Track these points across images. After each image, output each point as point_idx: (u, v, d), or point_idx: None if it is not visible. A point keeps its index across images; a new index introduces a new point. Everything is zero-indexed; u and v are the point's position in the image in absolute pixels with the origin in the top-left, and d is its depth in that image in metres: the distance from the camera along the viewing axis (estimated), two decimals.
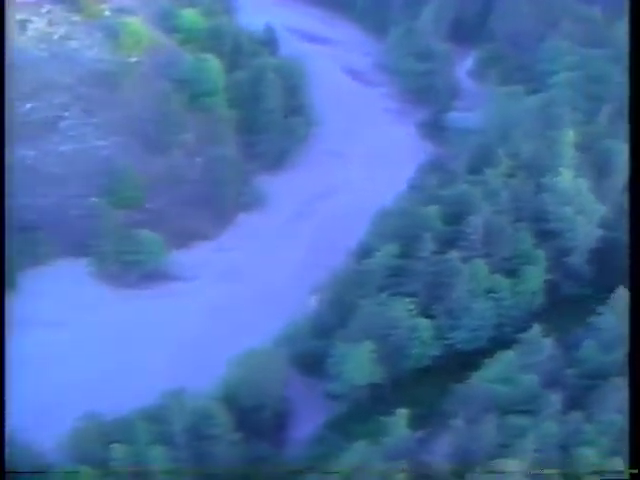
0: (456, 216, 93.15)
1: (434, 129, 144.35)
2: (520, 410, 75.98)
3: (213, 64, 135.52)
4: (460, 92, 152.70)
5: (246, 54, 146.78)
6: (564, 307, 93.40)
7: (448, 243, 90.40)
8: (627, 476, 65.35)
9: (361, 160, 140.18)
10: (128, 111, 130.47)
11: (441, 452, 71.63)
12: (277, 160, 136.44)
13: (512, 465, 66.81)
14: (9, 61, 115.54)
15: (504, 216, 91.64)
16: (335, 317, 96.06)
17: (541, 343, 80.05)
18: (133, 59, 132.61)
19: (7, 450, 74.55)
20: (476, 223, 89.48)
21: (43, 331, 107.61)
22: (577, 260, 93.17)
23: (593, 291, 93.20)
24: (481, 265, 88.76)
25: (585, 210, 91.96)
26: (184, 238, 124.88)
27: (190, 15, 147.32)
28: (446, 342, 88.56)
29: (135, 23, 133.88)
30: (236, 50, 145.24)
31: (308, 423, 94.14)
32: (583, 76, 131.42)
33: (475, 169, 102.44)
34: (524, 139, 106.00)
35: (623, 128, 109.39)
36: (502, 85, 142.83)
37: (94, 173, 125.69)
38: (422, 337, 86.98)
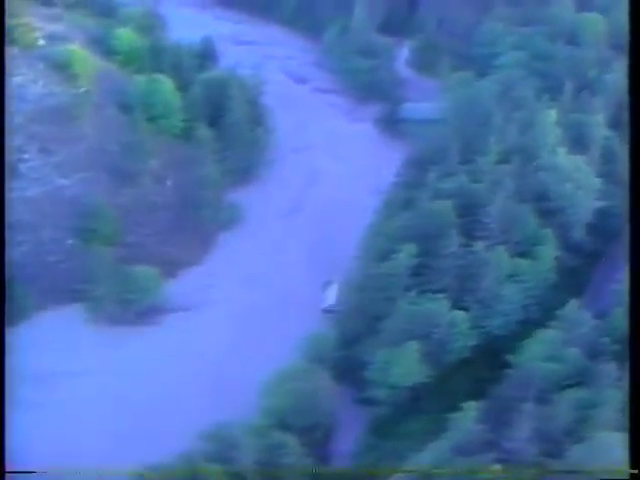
0: (465, 208, 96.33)
1: (391, 123, 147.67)
2: (576, 384, 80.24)
3: (166, 84, 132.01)
4: (406, 84, 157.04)
5: (189, 69, 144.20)
6: (574, 280, 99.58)
7: (466, 235, 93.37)
8: (627, 476, 66.38)
9: (328, 162, 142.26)
10: (88, 144, 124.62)
11: (522, 438, 74.62)
12: (247, 173, 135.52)
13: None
14: None
15: (511, 201, 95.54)
16: (362, 324, 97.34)
17: (580, 317, 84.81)
18: (82, 89, 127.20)
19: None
20: (492, 212, 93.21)
21: (48, 384, 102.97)
22: (579, 233, 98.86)
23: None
24: (502, 252, 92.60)
25: (583, 185, 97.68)
26: (171, 267, 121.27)
27: (127, 35, 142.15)
28: (482, 330, 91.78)
29: (79, 51, 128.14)
30: (178, 66, 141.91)
31: (353, 432, 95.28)
32: (528, 55, 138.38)
33: (466, 159, 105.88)
34: (502, 124, 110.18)
35: (588, 101, 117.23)
36: (444, 73, 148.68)
37: (65, 214, 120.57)
38: (461, 329, 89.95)
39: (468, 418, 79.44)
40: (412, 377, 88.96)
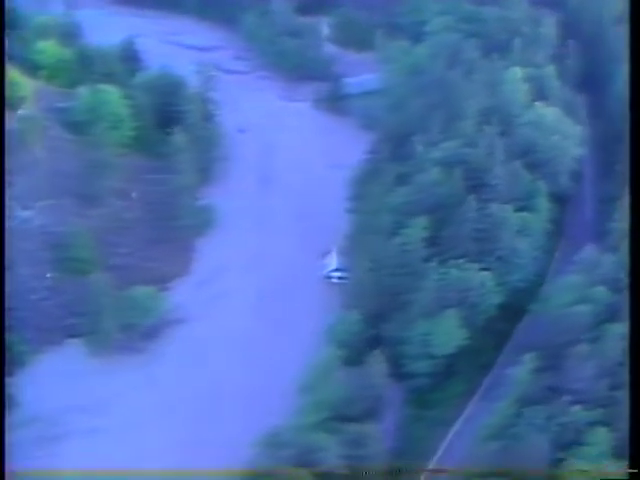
0: (465, 173, 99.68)
1: (332, 100, 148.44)
2: (611, 319, 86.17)
3: (112, 94, 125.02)
4: (334, 60, 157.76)
5: (121, 74, 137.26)
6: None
7: (475, 198, 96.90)
8: (627, 476, 69.85)
9: (279, 141, 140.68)
10: (43, 170, 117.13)
11: (588, 376, 79.51)
12: (208, 173, 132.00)
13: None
14: None
15: (505, 159, 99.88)
16: (385, 302, 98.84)
17: (599, 259, 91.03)
18: (21, 112, 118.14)
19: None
20: (498, 172, 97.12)
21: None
22: (566, 181, 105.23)
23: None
24: (509, 209, 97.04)
25: (569, 135, 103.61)
26: (161, 282, 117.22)
27: (51, 48, 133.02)
28: (507, 286, 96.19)
29: (13, 72, 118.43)
30: (110, 73, 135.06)
31: (396, 408, 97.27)
32: (455, 19, 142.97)
33: (446, 128, 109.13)
34: (464, 88, 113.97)
35: (534, 56, 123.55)
36: (377, 45, 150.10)
37: (37, 248, 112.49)
38: (489, 288, 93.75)
39: (528, 370, 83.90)
40: (453, 344, 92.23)
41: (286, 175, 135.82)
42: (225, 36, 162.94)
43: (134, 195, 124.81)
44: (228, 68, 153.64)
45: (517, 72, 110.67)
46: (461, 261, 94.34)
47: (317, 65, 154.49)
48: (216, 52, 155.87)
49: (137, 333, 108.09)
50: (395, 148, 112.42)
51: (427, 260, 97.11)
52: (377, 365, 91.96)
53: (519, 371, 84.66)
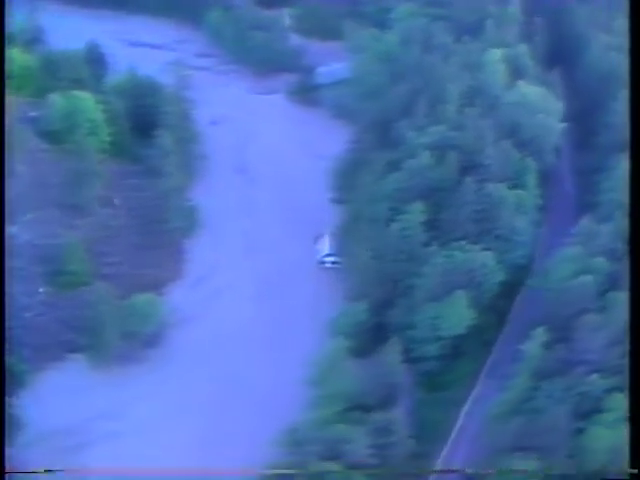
0: (456, 154, 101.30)
1: (304, 91, 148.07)
2: (613, 288, 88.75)
3: (87, 100, 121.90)
4: (301, 51, 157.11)
5: (90, 78, 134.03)
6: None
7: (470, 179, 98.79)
8: (627, 476, 70.71)
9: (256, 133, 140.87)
10: (24, 183, 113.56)
11: (601, 346, 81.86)
12: (189, 173, 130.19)
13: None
14: None
15: (495, 139, 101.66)
16: (388, 289, 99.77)
17: (597, 230, 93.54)
18: None
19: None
20: (490, 153, 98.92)
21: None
22: (552, 157, 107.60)
23: None
24: (504, 188, 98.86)
25: (552, 112, 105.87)
26: (155, 288, 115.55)
27: (19, 56, 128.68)
28: (509, 264, 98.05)
29: None
30: (78, 78, 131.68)
31: (408, 393, 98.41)
32: (419, 4, 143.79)
33: (430, 112, 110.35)
34: (444, 72, 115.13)
35: (502, 33, 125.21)
36: (345, 33, 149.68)
37: (27, 263, 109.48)
38: (491, 267, 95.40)
39: (539, 344, 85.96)
40: (462, 325, 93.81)
41: (267, 168, 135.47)
42: (190, 33, 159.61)
43: (117, 202, 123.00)
44: (196, 65, 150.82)
45: (496, 53, 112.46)
46: (462, 243, 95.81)
47: (284, 57, 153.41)
48: (182, 50, 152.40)
49: (139, 341, 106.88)
50: (381, 135, 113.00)
51: (427, 244, 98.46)
52: (389, 353, 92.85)
53: (530, 346, 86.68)
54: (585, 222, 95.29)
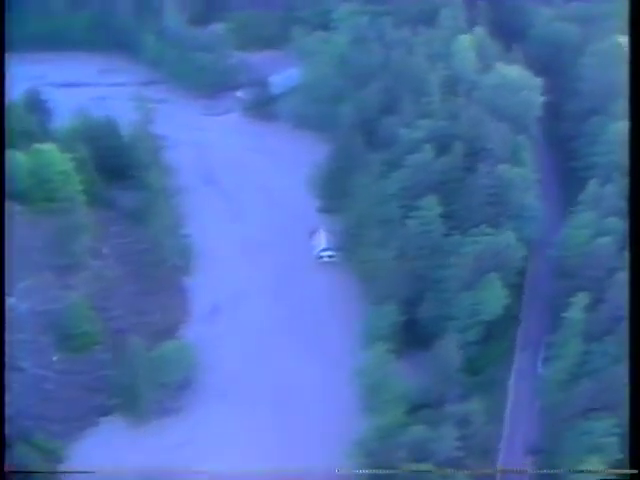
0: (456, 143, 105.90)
1: (260, 105, 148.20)
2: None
3: (52, 152, 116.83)
4: (246, 65, 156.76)
5: (37, 126, 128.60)
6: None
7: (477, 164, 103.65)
8: (627, 476, 76.80)
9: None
10: (10, 250, 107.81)
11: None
12: (173, 208, 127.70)
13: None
14: None
15: (489, 121, 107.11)
16: (415, 285, 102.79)
17: (601, 192, 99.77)
18: None
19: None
20: (492, 137, 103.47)
21: None
22: (536, 131, 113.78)
23: None
24: (509, 168, 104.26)
25: (533, 87, 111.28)
26: (168, 333, 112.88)
27: None
28: (526, 240, 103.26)
29: None
30: (25, 129, 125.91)
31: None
32: (361, 2, 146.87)
33: (415, 107, 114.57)
34: (415, 66, 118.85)
35: (459, 22, 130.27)
36: (292, 40, 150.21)
37: (34, 332, 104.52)
38: (514, 246, 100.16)
39: (580, 309, 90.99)
40: (500, 306, 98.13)
41: (246, 189, 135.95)
42: (128, 65, 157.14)
43: (105, 251, 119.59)
44: (144, 96, 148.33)
45: (465, 39, 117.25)
46: (482, 227, 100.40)
47: (231, 74, 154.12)
48: (130, 84, 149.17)
49: (171, 389, 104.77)
50: (367, 137, 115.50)
51: (448, 235, 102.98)
52: (442, 347, 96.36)
53: (573, 312, 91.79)
54: (589, 187, 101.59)
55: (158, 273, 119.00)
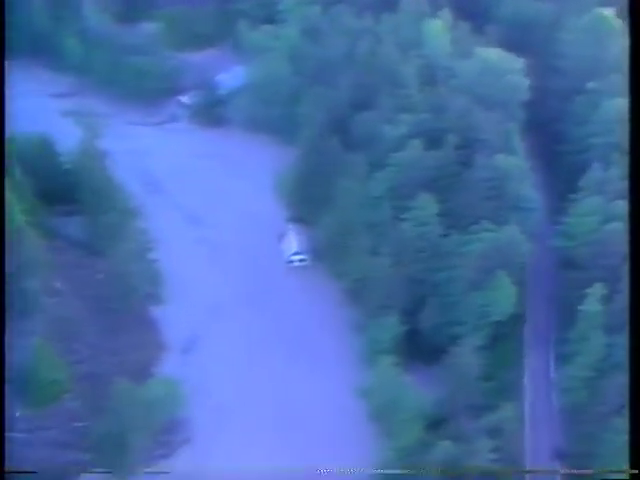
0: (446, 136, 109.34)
1: (207, 109, 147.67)
2: None
3: None
4: (184, 67, 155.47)
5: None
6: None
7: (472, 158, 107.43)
8: (627, 476, 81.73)
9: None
10: None
11: None
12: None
13: None
14: None
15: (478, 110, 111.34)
16: (416, 290, 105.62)
17: (605, 176, 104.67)
18: None
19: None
20: (483, 126, 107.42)
21: None
22: (522, 115, 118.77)
23: None
24: (504, 157, 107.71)
25: (516, 69, 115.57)
26: (142, 372, 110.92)
27: None
28: (529, 233, 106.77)
29: None
30: None
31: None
32: None
33: (393, 101, 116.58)
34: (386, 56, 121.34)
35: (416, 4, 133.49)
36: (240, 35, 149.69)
37: None
38: (517, 240, 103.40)
39: (597, 300, 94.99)
40: (511, 305, 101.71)
41: (201, 199, 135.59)
42: (51, 73, 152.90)
43: (59, 286, 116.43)
44: (78, 109, 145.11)
45: (436, 24, 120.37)
46: (483, 224, 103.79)
47: (168, 77, 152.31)
48: (58, 95, 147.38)
49: (161, 434, 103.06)
50: (342, 136, 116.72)
51: (446, 235, 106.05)
52: (459, 356, 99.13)
53: (589, 304, 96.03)
54: (591, 171, 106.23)
55: (124, 305, 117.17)
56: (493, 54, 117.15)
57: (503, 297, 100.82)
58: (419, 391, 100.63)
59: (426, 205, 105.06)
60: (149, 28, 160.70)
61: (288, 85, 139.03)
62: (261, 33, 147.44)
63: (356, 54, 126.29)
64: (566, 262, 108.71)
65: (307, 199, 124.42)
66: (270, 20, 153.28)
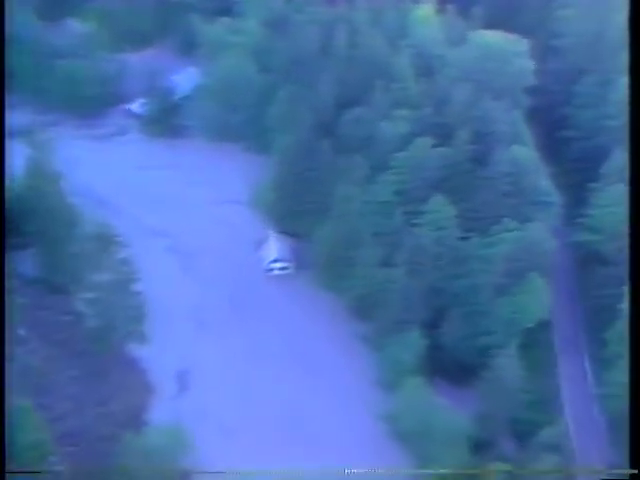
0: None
1: (160, 116, 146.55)
2: None
3: None
4: (125, 70, 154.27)
5: None
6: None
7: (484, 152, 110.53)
8: (627, 476, 79.22)
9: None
10: None
11: None
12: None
13: None
14: None
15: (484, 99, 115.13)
16: (439, 299, 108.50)
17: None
18: None
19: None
20: (493, 117, 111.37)
21: None
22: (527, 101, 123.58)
23: None
24: (522, 149, 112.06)
25: (520, 53, 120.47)
26: (134, 424, 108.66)
27: None
28: (552, 228, 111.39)
29: None
30: None
31: None
32: None
33: (388, 96, 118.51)
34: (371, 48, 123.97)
35: None
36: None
37: None
38: (543, 237, 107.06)
39: None
40: (545, 308, 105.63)
41: (167, 216, 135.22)
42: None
43: (23, 333, 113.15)
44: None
45: (428, 7, 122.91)
46: (505, 222, 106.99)
47: (110, 83, 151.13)
48: None
49: None
50: (330, 138, 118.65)
51: (465, 239, 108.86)
52: (500, 369, 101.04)
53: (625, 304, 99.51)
54: (613, 157, 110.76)
55: (100, 346, 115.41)
56: (495, 37, 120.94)
57: (535, 301, 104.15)
58: (453, 411, 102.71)
59: (441, 207, 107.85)
60: (79, 27, 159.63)
61: (254, 85, 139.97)
62: (217, 28, 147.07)
63: (333, 46, 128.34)
64: (592, 258, 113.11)
65: (294, 211, 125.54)
66: (224, 12, 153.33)
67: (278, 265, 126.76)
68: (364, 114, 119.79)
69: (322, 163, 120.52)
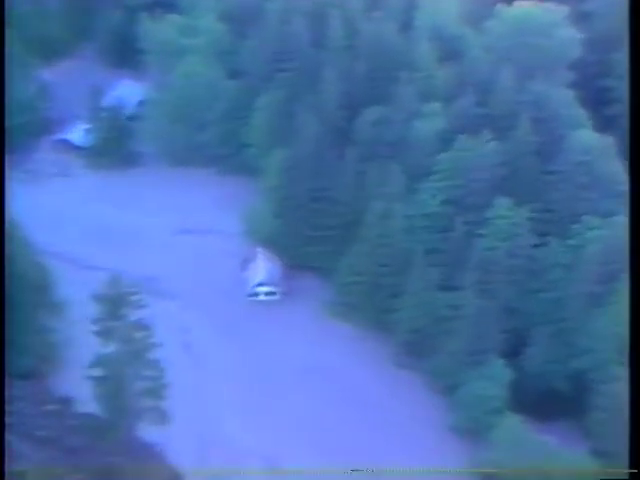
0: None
1: (105, 144, 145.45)
2: None
3: None
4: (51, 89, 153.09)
5: None
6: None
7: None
8: (627, 476, 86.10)
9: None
10: None
11: None
12: None
13: None
14: None
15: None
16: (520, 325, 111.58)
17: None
18: None
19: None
20: (547, 100, 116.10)
21: None
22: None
23: None
24: (588, 133, 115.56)
25: (563, 22, 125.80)
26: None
27: None
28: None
29: None
30: None
31: None
32: None
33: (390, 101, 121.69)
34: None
35: None
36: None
37: None
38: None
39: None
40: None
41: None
42: None
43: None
44: None
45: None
46: (586, 219, 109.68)
47: (35, 107, 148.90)
48: None
49: None
50: (347, 146, 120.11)
51: (542, 245, 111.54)
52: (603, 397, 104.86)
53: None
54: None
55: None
56: (533, 6, 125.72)
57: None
58: (569, 450, 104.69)
59: (507, 212, 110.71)
60: None
61: (222, 94, 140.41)
62: (164, 28, 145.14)
63: (327, 37, 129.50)
64: None
65: (305, 239, 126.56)
66: (164, 6, 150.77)
67: (264, 290, 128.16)
68: (386, 113, 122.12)
69: (341, 178, 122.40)
